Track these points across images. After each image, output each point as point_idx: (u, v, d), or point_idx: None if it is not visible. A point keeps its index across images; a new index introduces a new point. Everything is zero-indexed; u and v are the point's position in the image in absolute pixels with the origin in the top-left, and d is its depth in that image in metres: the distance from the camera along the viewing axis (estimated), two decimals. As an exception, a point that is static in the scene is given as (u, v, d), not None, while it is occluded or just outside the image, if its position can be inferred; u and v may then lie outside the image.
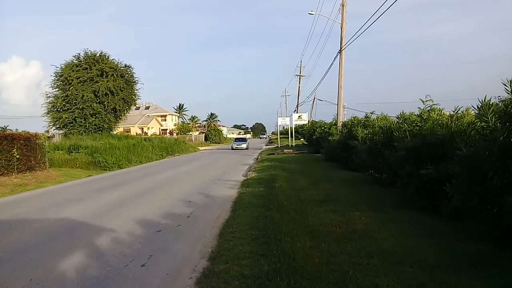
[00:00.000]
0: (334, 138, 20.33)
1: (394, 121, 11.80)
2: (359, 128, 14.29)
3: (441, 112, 8.34)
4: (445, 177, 6.68)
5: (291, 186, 11.64)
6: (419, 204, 8.13)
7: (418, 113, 8.92)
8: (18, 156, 17.22)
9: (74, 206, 10.41)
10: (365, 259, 5.12)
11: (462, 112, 7.88)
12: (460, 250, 5.43)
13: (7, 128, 73.34)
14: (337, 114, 24.51)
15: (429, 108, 8.49)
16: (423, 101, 8.42)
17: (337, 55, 23.81)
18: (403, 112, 10.65)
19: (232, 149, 45.98)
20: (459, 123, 7.26)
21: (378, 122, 12.53)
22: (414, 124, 8.53)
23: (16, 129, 48.11)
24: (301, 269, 4.62)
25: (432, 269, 4.71)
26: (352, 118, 18.36)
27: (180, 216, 8.83)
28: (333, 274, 4.60)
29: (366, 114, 17.07)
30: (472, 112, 7.43)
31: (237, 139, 55.23)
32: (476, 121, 6.80)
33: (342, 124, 20.82)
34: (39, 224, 8.52)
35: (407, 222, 7.12)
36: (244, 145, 46.73)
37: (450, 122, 7.68)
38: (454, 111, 7.96)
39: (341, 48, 23.18)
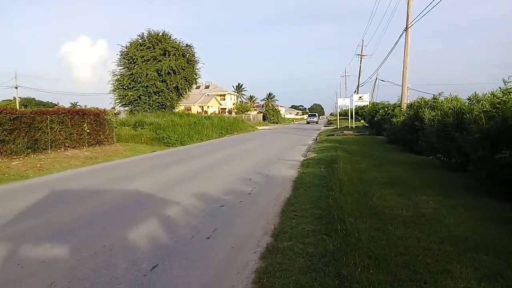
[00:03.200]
0: (397, 119, 19.57)
1: (465, 103, 11.14)
2: (426, 109, 13.63)
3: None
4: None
5: (353, 167, 11.39)
6: (492, 190, 7.66)
7: (493, 94, 8.32)
8: (88, 131, 18.25)
9: (140, 180, 10.87)
10: (436, 244, 4.90)
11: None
12: (541, 240, 5.05)
13: (77, 104, 77.73)
14: (401, 95, 23.51)
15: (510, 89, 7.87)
16: (504, 82, 7.82)
17: (402, 33, 22.74)
18: (475, 93, 10.03)
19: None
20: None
21: (447, 103, 11.85)
22: (492, 106, 7.96)
23: (85, 105, 50.81)
24: (367, 250, 4.51)
25: (509, 256, 4.41)
26: (419, 99, 17.57)
27: (241, 193, 8.95)
28: (401, 257, 4.46)
29: (433, 95, 16.28)
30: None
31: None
32: None
33: (407, 105, 19.99)
34: (109, 195, 8.99)
35: (479, 208, 6.73)
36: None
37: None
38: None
39: (407, 26, 22.06)
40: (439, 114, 11.70)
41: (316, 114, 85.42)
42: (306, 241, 5.20)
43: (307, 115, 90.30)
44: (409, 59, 22.64)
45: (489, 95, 8.66)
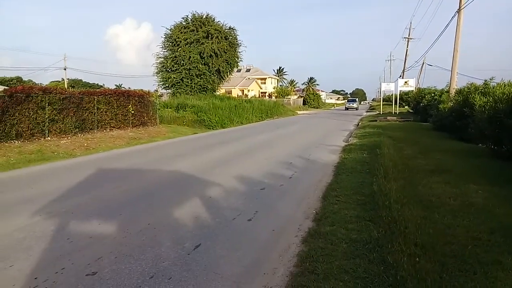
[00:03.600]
0: (445, 105, 18.86)
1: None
2: (476, 95, 13.01)
3: None
4: None
5: (397, 154, 11.07)
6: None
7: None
8: (133, 112, 18.70)
9: (183, 161, 11.06)
10: (486, 235, 4.70)
11: None
12: None
13: (121, 86, 79.72)
14: (450, 80, 22.57)
15: None
16: None
17: (454, 15, 21.73)
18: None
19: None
20: None
21: (500, 89, 11.24)
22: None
23: (129, 87, 51.98)
24: (414, 238, 4.38)
25: None
26: (469, 85, 16.83)
27: (282, 176, 8.92)
28: (449, 246, 4.30)
29: (485, 81, 15.54)
30: None
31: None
32: None
33: (456, 91, 19.18)
34: (153, 174, 9.19)
35: (532, 200, 6.38)
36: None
37: None
38: None
39: (460, 7, 21.05)
40: (491, 100, 11.14)
41: (356, 99, 77.34)
42: (349, 226, 5.12)
43: (346, 100, 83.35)
44: (460, 42, 21.65)
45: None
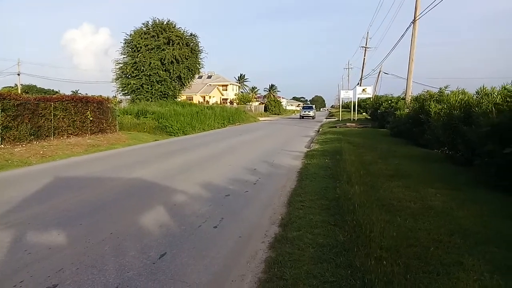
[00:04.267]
0: (401, 112, 19.48)
1: (473, 96, 11.07)
2: (432, 102, 13.53)
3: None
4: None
5: (358, 159, 11.31)
6: (499, 185, 7.59)
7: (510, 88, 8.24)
8: (91, 118, 18.16)
9: (144, 168, 10.82)
10: (446, 237, 4.86)
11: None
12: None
13: (78, 92, 77.35)
14: (406, 88, 23.33)
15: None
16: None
17: (410, 25, 22.54)
18: (483, 87, 9.94)
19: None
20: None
21: (454, 96, 11.76)
22: (504, 99, 7.88)
23: (86, 93, 50.50)
24: (379, 241, 4.47)
25: (521, 251, 4.39)
26: (424, 92, 17.49)
27: (246, 182, 8.91)
28: (413, 249, 4.42)
29: (440, 89, 16.19)
30: None
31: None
32: None
33: (412, 98, 19.85)
34: (114, 182, 8.94)
35: (487, 202, 6.67)
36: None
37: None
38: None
39: (415, 18, 21.86)
40: (445, 107, 11.62)
41: (313, 106, 64.07)
42: (315, 231, 5.17)
43: (301, 107, 67.64)
44: (415, 51, 22.48)
45: (500, 88, 8.58)
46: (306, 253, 4.45)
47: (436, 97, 15.05)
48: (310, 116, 51.32)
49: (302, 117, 52.00)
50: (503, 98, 7.90)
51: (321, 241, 4.79)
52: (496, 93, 8.56)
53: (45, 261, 4.38)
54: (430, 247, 4.49)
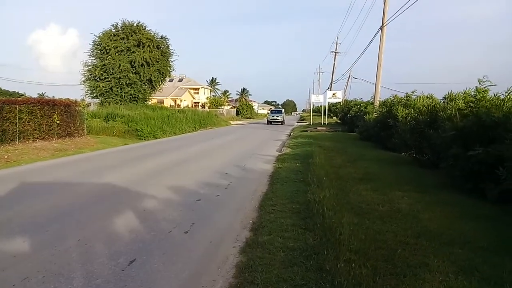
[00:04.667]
0: (370, 117, 19.89)
1: (439, 101, 11.43)
2: (399, 107, 13.88)
3: (491, 93, 7.97)
4: (494, 160, 6.46)
5: (328, 163, 11.48)
6: (464, 187, 7.87)
7: (467, 93, 8.56)
8: (58, 122, 17.68)
9: (114, 173, 10.63)
10: (412, 239, 5.00)
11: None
12: (512, 234, 5.23)
13: (45, 94, 75.16)
14: (375, 93, 23.85)
15: (484, 88, 8.09)
16: (480, 81, 8.01)
17: (378, 31, 23.04)
18: (450, 92, 10.27)
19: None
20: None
21: (421, 101, 12.11)
22: (466, 104, 8.17)
23: (53, 96, 49.10)
24: (348, 244, 4.55)
25: (484, 252, 4.56)
26: (392, 97, 17.90)
27: (218, 186, 8.88)
28: (380, 251, 4.52)
29: (406, 93, 16.62)
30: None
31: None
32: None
33: (380, 103, 20.30)
34: (82, 188, 8.74)
35: (452, 204, 6.91)
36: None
37: (503, 103, 7.34)
38: (507, 92, 7.58)
39: (382, 24, 22.39)
40: (412, 112, 11.94)
41: (282, 110, 56.29)
42: (286, 235, 5.20)
43: (269, 112, 61.34)
44: (384, 57, 22.99)
45: (463, 93, 8.89)
46: (276, 257, 4.47)
47: (404, 101, 15.44)
48: (279, 121, 46.15)
49: (269, 122, 46.35)
50: (465, 103, 8.19)
51: (291, 244, 4.83)
52: (460, 99, 8.85)
53: (10, 270, 4.24)
54: (397, 249, 4.60)
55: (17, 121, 15.18)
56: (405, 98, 16.02)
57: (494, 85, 7.97)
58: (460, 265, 4.18)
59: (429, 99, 12.10)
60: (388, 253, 4.46)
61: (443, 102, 10.59)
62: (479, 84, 8.02)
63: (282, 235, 5.20)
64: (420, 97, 13.20)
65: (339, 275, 3.76)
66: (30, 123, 16.01)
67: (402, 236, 5.08)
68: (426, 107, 11.06)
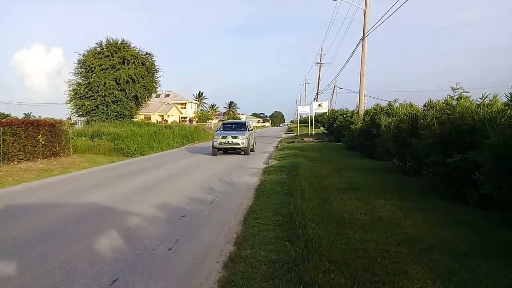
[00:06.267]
0: (355, 126, 20.08)
1: (420, 109, 11.62)
2: (382, 116, 14.07)
3: (469, 99, 8.15)
4: (472, 166, 6.58)
5: (313, 173, 11.59)
6: (445, 193, 8.02)
7: (447, 101, 8.75)
8: (43, 142, 17.56)
9: (99, 191, 10.60)
10: (393, 247, 5.08)
11: (490, 100, 7.64)
12: (491, 239, 5.33)
13: (31, 114, 74.64)
14: (359, 102, 24.16)
15: (458, 95, 8.30)
16: (453, 89, 8.23)
17: (360, 42, 23.40)
18: (430, 100, 10.46)
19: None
20: (489, 111, 7.05)
21: (402, 109, 12.31)
22: (442, 112, 8.35)
23: (39, 116, 48.72)
24: (328, 254, 4.61)
25: (462, 257, 4.65)
26: (375, 106, 18.13)
27: (203, 202, 8.90)
28: (361, 260, 4.59)
29: (389, 102, 16.87)
30: (500, 99, 7.31)
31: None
32: (506, 108, 6.67)
33: (364, 112, 20.56)
34: (66, 208, 8.69)
35: (433, 211, 7.02)
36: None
37: (479, 109, 7.51)
38: (481, 99, 7.77)
39: (364, 34, 22.78)
40: (394, 120, 12.11)
41: (246, 123, 24.45)
42: (268, 248, 5.25)
43: (219, 128, 23.81)
44: (366, 66, 23.34)
45: (443, 101, 9.07)
46: (258, 270, 4.52)
47: (386, 110, 15.64)
48: (236, 148, 21.01)
49: (218, 149, 21.10)
50: (441, 110, 8.37)
51: (273, 257, 4.88)
52: (437, 106, 9.04)
53: (-10, 295, 4.22)
54: (377, 257, 4.67)
55: (1, 142, 15.07)
56: (388, 107, 16.24)
57: (468, 92, 8.17)
58: (438, 271, 4.26)
59: (410, 107, 12.31)
60: (368, 262, 4.53)
61: (424, 109, 10.77)
62: (453, 91, 8.22)
63: (265, 248, 5.25)
64: (402, 105, 13.42)
65: (318, 286, 3.81)
66: (15, 144, 15.90)
67: (383, 245, 5.17)
68: (407, 115, 11.24)
